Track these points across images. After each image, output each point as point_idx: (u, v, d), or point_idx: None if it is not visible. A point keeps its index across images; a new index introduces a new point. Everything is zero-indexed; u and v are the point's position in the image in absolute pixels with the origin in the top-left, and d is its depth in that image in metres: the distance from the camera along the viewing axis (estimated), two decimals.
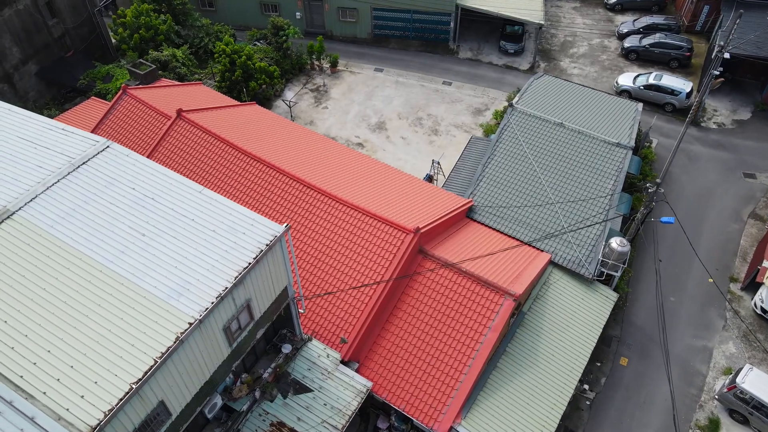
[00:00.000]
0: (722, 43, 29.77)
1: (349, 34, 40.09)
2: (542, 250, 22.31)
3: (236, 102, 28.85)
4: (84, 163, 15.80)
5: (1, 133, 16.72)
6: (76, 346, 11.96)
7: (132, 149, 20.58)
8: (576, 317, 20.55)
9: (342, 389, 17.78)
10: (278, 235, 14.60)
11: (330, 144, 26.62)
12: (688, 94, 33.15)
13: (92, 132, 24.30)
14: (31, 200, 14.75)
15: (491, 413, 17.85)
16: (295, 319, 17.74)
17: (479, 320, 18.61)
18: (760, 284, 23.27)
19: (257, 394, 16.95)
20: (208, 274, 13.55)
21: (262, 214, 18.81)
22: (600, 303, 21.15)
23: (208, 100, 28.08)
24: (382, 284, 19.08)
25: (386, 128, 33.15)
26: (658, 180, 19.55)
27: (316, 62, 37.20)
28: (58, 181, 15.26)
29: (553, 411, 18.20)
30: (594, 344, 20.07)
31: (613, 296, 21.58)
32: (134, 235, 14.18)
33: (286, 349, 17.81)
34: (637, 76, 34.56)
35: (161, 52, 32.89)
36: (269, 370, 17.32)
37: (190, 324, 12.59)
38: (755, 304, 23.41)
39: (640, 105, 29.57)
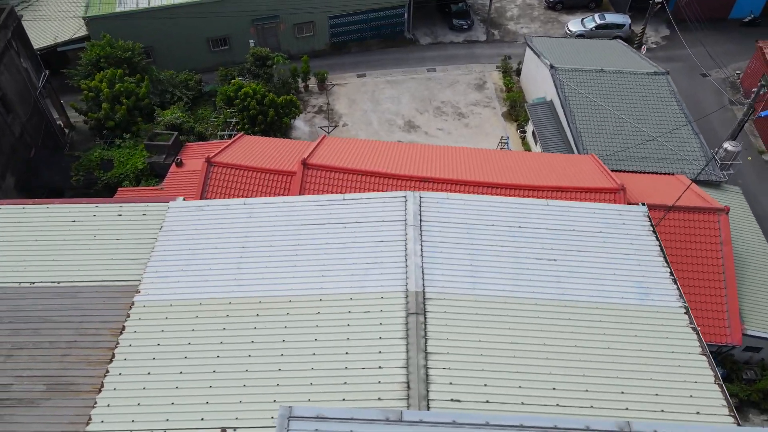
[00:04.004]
0: None
1: (307, 49, 38.34)
2: (671, 174, 25.38)
3: (306, 141, 26.56)
4: (421, 219, 14.23)
5: (267, 230, 14.19)
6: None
7: None
8: (733, 214, 24.04)
9: None
10: (647, 214, 15.10)
11: (431, 147, 26.24)
12: (630, 26, 38.99)
13: None
14: (423, 274, 13.02)
15: (755, 311, 20.51)
16: None
17: (708, 240, 20.98)
18: None
19: None
20: (646, 269, 13.63)
21: None
22: (736, 199, 25.00)
23: (282, 148, 25.43)
24: None
25: (417, 125, 33.19)
26: (762, 82, 23.68)
27: (303, 83, 35.21)
28: (422, 246, 13.60)
29: None
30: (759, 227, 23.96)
31: (738, 190, 25.64)
32: (546, 264, 13.51)
33: None
34: (583, 19, 39.44)
35: (159, 116, 28.34)
36: None
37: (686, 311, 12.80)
38: None
39: (620, 40, 34.21)
